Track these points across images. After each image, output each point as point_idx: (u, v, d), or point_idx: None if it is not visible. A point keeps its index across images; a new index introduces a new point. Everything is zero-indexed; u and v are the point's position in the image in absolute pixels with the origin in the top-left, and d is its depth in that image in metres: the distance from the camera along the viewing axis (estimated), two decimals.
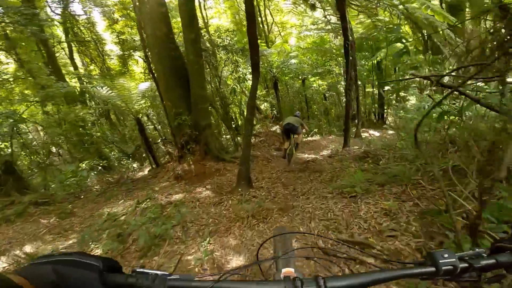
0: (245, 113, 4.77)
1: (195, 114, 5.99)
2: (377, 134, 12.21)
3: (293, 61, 11.75)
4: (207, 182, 5.68)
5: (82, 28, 13.12)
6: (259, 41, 11.89)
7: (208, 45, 8.19)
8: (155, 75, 6.55)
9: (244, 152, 4.25)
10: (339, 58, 12.47)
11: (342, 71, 14.13)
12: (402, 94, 15.08)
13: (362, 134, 10.48)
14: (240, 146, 10.15)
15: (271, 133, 11.82)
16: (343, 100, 14.93)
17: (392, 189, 2.99)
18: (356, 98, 9.58)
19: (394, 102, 16.07)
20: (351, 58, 6.52)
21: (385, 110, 16.26)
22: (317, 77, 13.00)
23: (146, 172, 9.08)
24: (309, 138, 10.14)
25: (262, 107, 15.31)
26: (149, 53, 6.64)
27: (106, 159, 10.94)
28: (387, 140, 7.30)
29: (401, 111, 5.96)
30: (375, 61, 14.63)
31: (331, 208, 2.98)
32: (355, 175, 3.40)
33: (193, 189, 5.48)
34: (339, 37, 14.14)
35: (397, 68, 13.33)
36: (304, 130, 6.63)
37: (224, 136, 11.03)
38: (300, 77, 12.73)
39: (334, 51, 12.24)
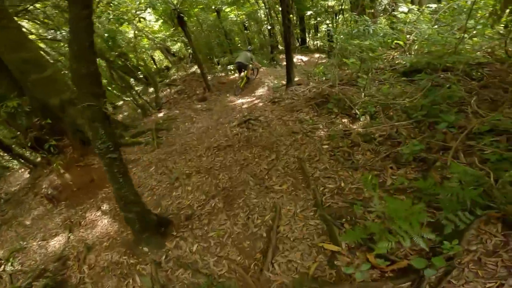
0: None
1: (33, 91, 2.93)
2: (304, 58, 11.03)
3: None
4: (102, 197, 3.18)
5: None
6: None
7: None
8: None
9: (118, 191, 1.74)
10: None
11: None
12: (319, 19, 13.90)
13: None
14: (150, 109, 7.13)
15: (189, 78, 8.88)
16: (264, 28, 12.54)
17: (489, 242, 1.13)
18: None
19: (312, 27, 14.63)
20: None
21: (307, 35, 15.08)
22: (233, 7, 9.89)
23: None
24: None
25: (175, 48, 11.87)
26: None
27: None
28: (325, 68, 5.48)
29: (352, 38, 3.95)
30: None
31: None
32: (373, 188, 1.35)
33: (80, 216, 2.96)
34: None
35: None
36: (255, 65, 6.89)
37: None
38: (213, 8, 9.42)
39: None
